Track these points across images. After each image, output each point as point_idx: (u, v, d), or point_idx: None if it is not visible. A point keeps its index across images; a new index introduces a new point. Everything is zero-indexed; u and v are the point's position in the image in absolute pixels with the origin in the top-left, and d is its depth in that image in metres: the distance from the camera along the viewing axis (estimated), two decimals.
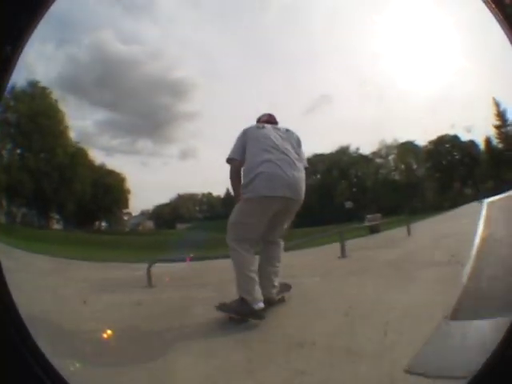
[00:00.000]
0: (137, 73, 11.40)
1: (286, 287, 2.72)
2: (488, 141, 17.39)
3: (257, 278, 2.34)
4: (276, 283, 2.53)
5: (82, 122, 11.12)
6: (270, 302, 2.43)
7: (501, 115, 16.03)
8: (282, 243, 2.65)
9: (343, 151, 13.61)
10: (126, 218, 11.59)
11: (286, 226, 2.66)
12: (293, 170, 2.37)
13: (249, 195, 2.34)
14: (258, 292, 2.31)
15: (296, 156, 2.47)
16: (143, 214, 12.02)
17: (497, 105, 16.00)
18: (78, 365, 1.70)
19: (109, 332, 2.33)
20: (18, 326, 1.01)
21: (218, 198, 12.99)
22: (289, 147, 2.45)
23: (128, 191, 10.65)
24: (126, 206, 11.18)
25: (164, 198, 12.16)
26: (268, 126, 2.61)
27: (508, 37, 0.99)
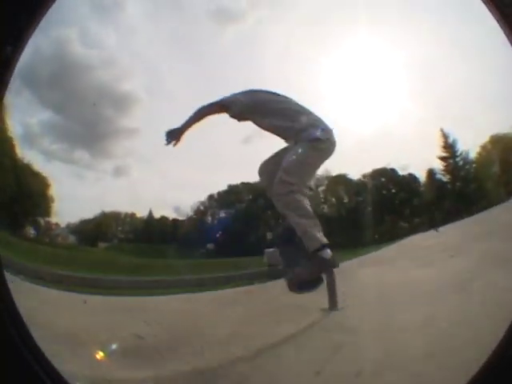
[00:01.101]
0: (88, 78, 11.32)
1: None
2: (430, 173, 17.42)
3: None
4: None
5: (29, 119, 10.93)
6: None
7: (448, 147, 16.19)
8: None
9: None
10: (54, 228, 11.32)
11: None
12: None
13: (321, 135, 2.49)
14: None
15: None
16: (68, 226, 11.86)
17: (445, 136, 16.13)
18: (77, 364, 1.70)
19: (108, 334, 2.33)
20: (19, 326, 1.01)
21: (141, 219, 13.00)
22: None
23: (52, 199, 10.23)
24: (47, 215, 10.86)
25: (90, 213, 12.07)
26: None
27: (507, 37, 0.99)
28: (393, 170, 15.96)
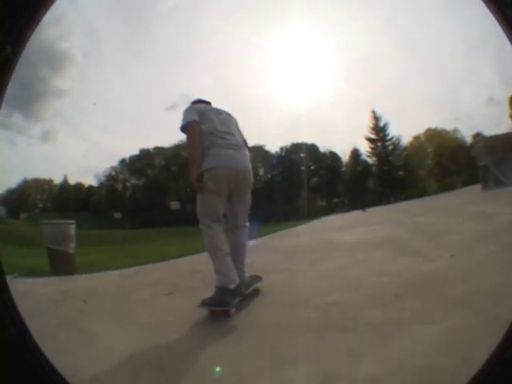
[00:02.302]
0: (36, 35, 11.35)
1: (257, 278, 2.74)
2: (354, 154, 17.22)
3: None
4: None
5: None
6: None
7: (378, 130, 15.98)
8: (246, 230, 2.63)
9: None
10: None
11: (243, 206, 2.59)
12: (239, 149, 2.50)
13: (209, 168, 2.39)
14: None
15: (237, 136, 2.59)
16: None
17: (376, 119, 15.92)
18: (78, 364, 1.70)
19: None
20: (19, 326, 1.01)
21: (57, 186, 12.53)
22: (230, 128, 2.55)
23: None
24: None
25: (16, 182, 11.65)
26: (211, 106, 2.68)
27: (507, 37, 0.99)
28: (313, 146, 15.68)
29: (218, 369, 1.65)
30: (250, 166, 2.55)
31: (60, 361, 1.09)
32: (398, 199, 14.53)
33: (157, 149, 12.40)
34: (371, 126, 15.96)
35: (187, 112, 2.50)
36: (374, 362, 1.58)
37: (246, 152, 2.56)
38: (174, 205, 11.45)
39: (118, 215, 12.08)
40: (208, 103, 2.73)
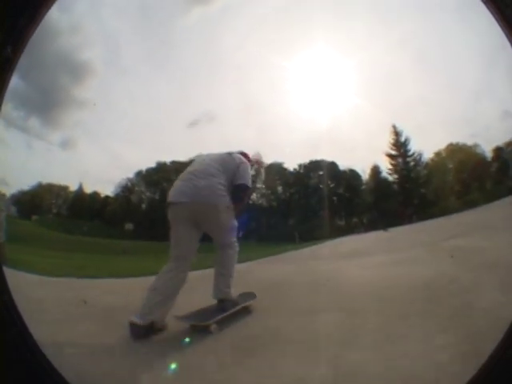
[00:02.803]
0: (53, 42, 11.06)
1: (250, 296, 2.75)
2: (374, 171, 16.12)
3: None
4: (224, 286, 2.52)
5: None
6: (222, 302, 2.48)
7: (399, 145, 15.13)
8: (231, 250, 2.60)
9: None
10: None
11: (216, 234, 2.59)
12: (197, 180, 2.45)
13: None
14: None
15: (209, 169, 2.53)
16: (13, 197, 11.18)
17: (396, 134, 15.10)
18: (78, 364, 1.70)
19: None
20: (19, 326, 1.01)
21: (72, 194, 12.36)
22: (211, 162, 2.58)
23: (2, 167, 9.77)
24: None
25: (32, 184, 11.52)
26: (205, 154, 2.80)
27: (508, 37, 0.99)
28: (332, 164, 14.89)
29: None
30: (205, 193, 2.42)
31: (61, 361, 1.08)
32: (420, 218, 13.59)
33: (173, 163, 12.17)
34: (392, 141, 14.92)
35: None
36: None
37: (208, 181, 2.45)
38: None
39: (129, 226, 11.87)
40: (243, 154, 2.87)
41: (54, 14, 10.40)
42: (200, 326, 2.23)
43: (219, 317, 2.30)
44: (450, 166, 15.55)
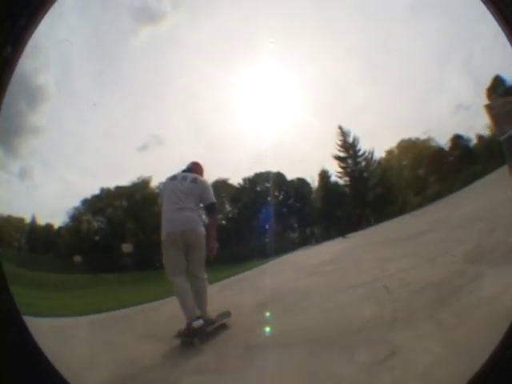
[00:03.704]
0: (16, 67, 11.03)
1: (226, 314, 3.11)
2: (323, 176, 15.46)
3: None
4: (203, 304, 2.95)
5: None
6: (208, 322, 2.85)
7: (347, 147, 14.50)
8: (204, 277, 3.04)
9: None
10: None
11: (197, 259, 3.01)
12: (179, 212, 2.97)
13: (161, 235, 2.97)
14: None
15: (187, 202, 3.04)
16: None
17: (343, 135, 14.52)
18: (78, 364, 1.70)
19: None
20: (20, 326, 1.01)
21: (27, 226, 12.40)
22: (182, 195, 3.06)
23: None
24: None
25: None
26: (179, 176, 3.21)
27: (507, 37, 0.99)
28: (279, 174, 14.36)
29: None
30: (191, 224, 2.97)
31: (60, 361, 1.08)
32: (378, 220, 12.96)
33: (118, 188, 11.99)
34: (339, 143, 14.17)
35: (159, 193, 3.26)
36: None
37: (190, 213, 2.99)
38: (126, 248, 11.00)
39: (77, 258, 11.70)
40: (186, 170, 3.32)
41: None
42: (186, 341, 2.65)
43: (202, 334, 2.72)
44: (404, 162, 15.04)
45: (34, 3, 1.01)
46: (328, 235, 12.76)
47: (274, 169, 13.47)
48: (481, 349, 1.06)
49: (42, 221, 12.11)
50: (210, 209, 3.16)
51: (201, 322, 2.73)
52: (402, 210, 12.19)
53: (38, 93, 11.17)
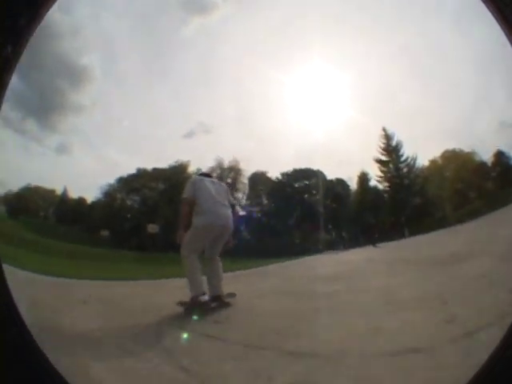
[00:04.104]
0: (53, 45, 10.98)
1: (231, 295, 3.53)
2: (362, 179, 14.28)
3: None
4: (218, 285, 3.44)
5: None
6: (217, 299, 3.33)
7: (389, 150, 13.46)
8: (219, 260, 3.60)
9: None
10: None
11: (220, 246, 3.59)
12: (224, 209, 3.55)
13: (200, 223, 3.41)
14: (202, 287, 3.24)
15: (225, 200, 3.62)
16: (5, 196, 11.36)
17: (387, 138, 13.55)
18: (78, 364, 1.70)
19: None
20: (20, 326, 1.01)
21: (58, 197, 12.42)
22: (223, 193, 3.64)
23: None
24: None
25: (19, 186, 11.57)
26: (205, 178, 3.71)
27: (507, 37, 0.99)
28: (319, 172, 13.66)
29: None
30: (231, 221, 3.58)
31: (60, 361, 1.08)
32: (413, 232, 11.88)
33: (155, 170, 12.04)
34: (382, 145, 13.27)
35: (187, 187, 3.53)
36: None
37: (229, 211, 3.60)
38: (152, 228, 11.02)
39: (105, 233, 11.78)
40: (209, 176, 3.90)
41: (55, 15, 10.45)
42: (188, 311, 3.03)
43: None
44: (447, 173, 13.95)
45: (33, 3, 1.01)
46: (358, 241, 12.08)
47: (315, 166, 13.05)
48: (480, 349, 1.06)
49: (74, 194, 12.29)
50: (232, 209, 3.69)
51: (206, 297, 3.17)
52: (439, 225, 10.97)
53: (81, 73, 11.21)
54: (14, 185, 11.48)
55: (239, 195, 13.42)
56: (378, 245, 10.21)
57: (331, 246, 11.89)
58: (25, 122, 11.73)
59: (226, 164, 12.93)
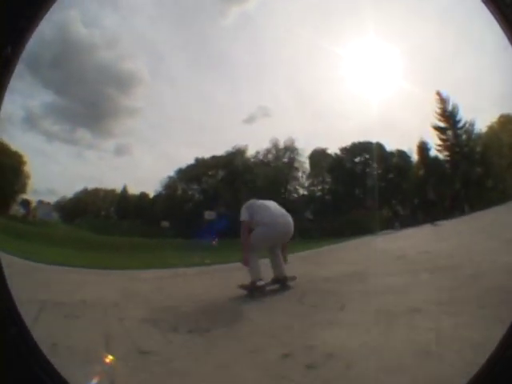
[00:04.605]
0: (90, 58, 11.13)
1: (292, 278, 4.15)
2: (421, 148, 13.17)
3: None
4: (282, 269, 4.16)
5: (31, 102, 10.73)
6: (280, 280, 4.09)
7: (447, 116, 12.29)
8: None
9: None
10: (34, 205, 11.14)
11: (282, 245, 4.29)
12: (289, 218, 4.21)
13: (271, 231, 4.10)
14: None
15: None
16: (57, 204, 11.66)
17: (443, 102, 12.32)
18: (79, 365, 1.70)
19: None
20: (19, 326, 1.01)
21: (118, 195, 12.70)
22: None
23: (27, 176, 9.91)
24: (22, 191, 10.47)
25: (69, 190, 11.93)
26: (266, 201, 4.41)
27: (508, 37, 0.99)
28: (378, 145, 12.73)
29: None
30: (292, 227, 4.17)
31: (60, 361, 1.08)
32: (474, 207, 10.09)
33: (213, 158, 12.16)
34: (438, 110, 11.90)
35: (242, 211, 4.12)
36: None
37: (290, 219, 4.18)
38: (209, 215, 11.00)
39: (165, 224, 11.94)
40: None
41: (82, 31, 10.72)
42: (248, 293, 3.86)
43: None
44: (504, 139, 12.18)
45: (33, 3, 1.01)
46: (413, 219, 10.83)
47: (374, 139, 12.40)
48: (481, 349, 1.06)
49: (135, 191, 12.54)
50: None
51: (263, 282, 3.87)
52: (504, 197, 9.43)
53: (128, 78, 11.38)
54: (69, 191, 11.97)
55: (299, 174, 13.31)
56: (436, 223, 8.98)
57: (389, 225, 10.84)
58: (75, 133, 12.08)
59: (281, 144, 12.88)
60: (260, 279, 3.86)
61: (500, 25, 1.01)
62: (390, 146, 12.43)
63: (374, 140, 12.35)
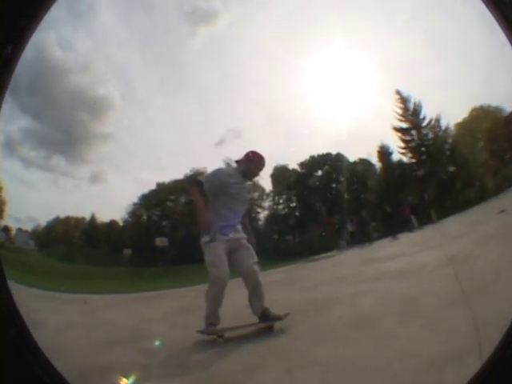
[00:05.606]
0: (64, 82, 11.18)
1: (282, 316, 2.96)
2: (382, 153, 11.51)
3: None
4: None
5: (9, 127, 10.45)
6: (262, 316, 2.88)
7: (408, 115, 11.20)
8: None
9: None
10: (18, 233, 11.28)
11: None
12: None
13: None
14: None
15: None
16: (33, 231, 11.91)
17: (403, 101, 10.02)
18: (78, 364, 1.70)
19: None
20: (20, 326, 1.01)
21: (87, 223, 12.81)
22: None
23: (3, 202, 9.39)
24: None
25: (46, 217, 12.05)
26: None
27: (508, 37, 0.99)
28: (339, 156, 11.59)
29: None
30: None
31: (60, 361, 1.08)
32: (443, 213, 8.80)
33: (174, 181, 12.05)
34: (399, 111, 10.90)
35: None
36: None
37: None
38: (160, 241, 10.99)
39: (127, 252, 12.01)
40: None
41: (57, 54, 10.73)
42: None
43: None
44: (479, 134, 10.71)
45: (33, 3, 1.01)
46: (369, 234, 9.85)
47: (334, 150, 11.85)
48: (481, 349, 1.06)
49: (106, 218, 12.58)
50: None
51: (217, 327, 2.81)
52: (481, 196, 8.48)
53: (100, 103, 11.46)
54: (47, 219, 12.13)
55: (263, 193, 13.17)
56: (397, 237, 8.07)
57: (355, 241, 9.70)
58: (50, 160, 12.15)
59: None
60: (214, 322, 2.73)
61: (500, 25, 1.01)
62: (355, 156, 11.82)
63: (343, 152, 11.72)
